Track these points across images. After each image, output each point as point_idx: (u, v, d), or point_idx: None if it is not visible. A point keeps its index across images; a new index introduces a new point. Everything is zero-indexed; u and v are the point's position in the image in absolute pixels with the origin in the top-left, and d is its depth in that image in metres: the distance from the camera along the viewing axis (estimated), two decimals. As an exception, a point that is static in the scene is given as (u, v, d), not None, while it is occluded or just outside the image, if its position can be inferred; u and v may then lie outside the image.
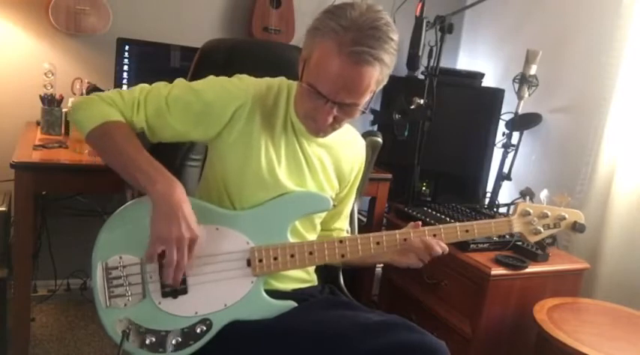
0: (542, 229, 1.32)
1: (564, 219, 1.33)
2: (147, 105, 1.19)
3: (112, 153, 1.15)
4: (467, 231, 1.28)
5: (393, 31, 1.08)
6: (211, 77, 1.24)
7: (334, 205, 1.29)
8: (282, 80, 1.27)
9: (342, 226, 1.46)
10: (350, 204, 1.45)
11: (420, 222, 1.27)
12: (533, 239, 1.34)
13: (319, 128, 1.16)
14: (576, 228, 1.33)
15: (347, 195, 1.41)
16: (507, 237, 1.91)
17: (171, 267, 1.08)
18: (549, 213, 1.32)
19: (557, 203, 1.34)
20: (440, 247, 1.22)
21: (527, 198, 1.35)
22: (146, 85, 1.23)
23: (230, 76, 1.25)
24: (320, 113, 1.12)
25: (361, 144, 1.40)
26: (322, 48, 1.07)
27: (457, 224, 1.28)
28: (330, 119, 1.13)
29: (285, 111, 1.24)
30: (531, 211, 1.32)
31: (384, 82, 1.14)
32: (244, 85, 1.22)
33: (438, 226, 1.27)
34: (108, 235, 1.16)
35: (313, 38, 1.10)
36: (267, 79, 1.26)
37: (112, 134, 1.15)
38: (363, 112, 1.14)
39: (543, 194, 1.35)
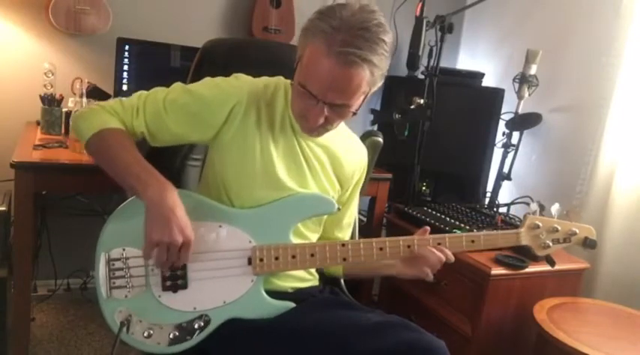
0: (551, 243, 1.29)
1: (575, 234, 1.30)
2: (145, 110, 1.21)
3: (107, 159, 1.17)
4: (473, 241, 1.26)
5: (384, 32, 1.07)
6: (207, 78, 1.25)
7: (339, 208, 1.29)
8: (279, 79, 1.28)
9: (344, 236, 1.44)
10: (351, 213, 1.44)
11: (428, 228, 1.26)
12: (541, 253, 1.31)
13: (311, 128, 1.17)
14: (587, 243, 1.30)
15: (347, 201, 1.40)
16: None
17: (160, 267, 1.12)
18: (559, 228, 1.29)
19: (568, 217, 1.31)
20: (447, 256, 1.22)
21: (537, 211, 1.31)
22: (144, 92, 1.24)
23: (229, 75, 1.26)
24: (311, 113, 1.12)
25: (363, 152, 1.40)
26: (312, 48, 1.08)
27: (463, 234, 1.27)
28: (322, 120, 1.13)
29: (282, 110, 1.24)
30: (540, 224, 1.29)
31: (378, 84, 1.13)
32: (240, 83, 1.23)
33: (443, 235, 1.25)
34: (112, 227, 1.18)
35: (305, 38, 1.11)
36: (264, 78, 1.27)
37: (107, 140, 1.17)
38: (354, 113, 1.14)
39: (554, 208, 1.31)
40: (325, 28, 1.05)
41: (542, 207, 1.32)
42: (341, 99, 1.10)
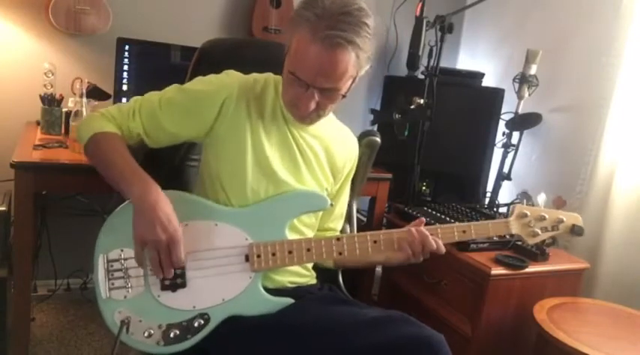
0: (540, 231, 1.33)
1: (562, 221, 1.34)
2: (142, 111, 1.26)
3: (100, 161, 1.21)
4: (464, 231, 1.30)
5: (366, 15, 1.11)
6: (200, 76, 1.29)
7: (331, 204, 1.30)
8: (269, 74, 1.32)
9: (336, 227, 1.47)
10: (343, 203, 1.46)
11: (423, 219, 1.29)
12: (531, 241, 1.35)
13: (303, 114, 1.20)
14: (574, 230, 1.34)
15: (339, 192, 1.42)
16: (507, 236, 1.91)
17: (156, 267, 1.12)
18: (547, 216, 1.33)
19: (555, 206, 1.35)
20: (435, 243, 1.24)
21: (525, 200, 1.36)
22: (140, 96, 1.30)
23: None
24: (302, 99, 1.16)
25: (354, 143, 1.43)
26: (299, 37, 1.11)
27: (454, 224, 1.30)
28: (313, 105, 1.16)
29: (273, 101, 1.27)
30: (529, 213, 1.33)
31: (365, 68, 1.17)
32: (230, 78, 1.27)
33: (435, 226, 1.29)
34: (110, 229, 1.19)
35: (292, 28, 1.14)
36: (254, 74, 1.31)
37: (100, 144, 1.21)
38: (344, 96, 1.18)
39: (541, 197, 1.36)
40: (309, 17, 1.09)
41: (528, 197, 1.35)
42: (330, 83, 1.13)
